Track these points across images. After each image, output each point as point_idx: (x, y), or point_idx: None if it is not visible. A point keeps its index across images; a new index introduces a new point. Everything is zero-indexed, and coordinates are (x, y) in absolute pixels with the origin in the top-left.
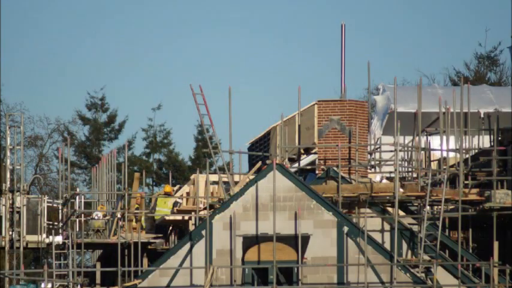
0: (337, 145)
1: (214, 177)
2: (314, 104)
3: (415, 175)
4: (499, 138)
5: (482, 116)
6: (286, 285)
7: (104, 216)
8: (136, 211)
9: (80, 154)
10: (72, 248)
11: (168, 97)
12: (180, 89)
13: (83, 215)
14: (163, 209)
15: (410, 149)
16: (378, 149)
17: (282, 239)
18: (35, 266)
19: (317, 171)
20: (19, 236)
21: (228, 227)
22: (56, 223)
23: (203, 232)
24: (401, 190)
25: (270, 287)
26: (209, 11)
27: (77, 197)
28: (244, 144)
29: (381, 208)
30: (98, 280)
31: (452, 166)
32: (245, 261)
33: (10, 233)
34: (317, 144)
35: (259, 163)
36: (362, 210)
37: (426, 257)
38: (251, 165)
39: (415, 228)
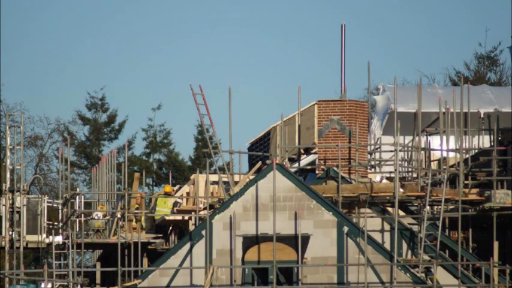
0: (337, 145)
1: (214, 177)
2: (314, 104)
3: (415, 175)
4: (499, 138)
5: (482, 116)
6: (286, 285)
7: (104, 216)
8: (136, 211)
9: (80, 154)
10: (72, 248)
11: (168, 97)
12: (180, 89)
13: (83, 215)
14: (163, 209)
15: (410, 149)
16: (378, 149)
17: (282, 239)
18: (35, 266)
19: (317, 171)
20: (19, 236)
21: (228, 227)
22: (56, 223)
23: (203, 232)
24: (401, 190)
25: (270, 287)
26: (209, 11)
27: (77, 197)
28: (244, 144)
29: (381, 208)
30: (98, 280)
31: (452, 166)
32: (245, 261)
33: (10, 233)
34: (317, 144)
35: (259, 163)
36: (362, 210)
37: (426, 257)
38: (251, 165)
39: (415, 228)
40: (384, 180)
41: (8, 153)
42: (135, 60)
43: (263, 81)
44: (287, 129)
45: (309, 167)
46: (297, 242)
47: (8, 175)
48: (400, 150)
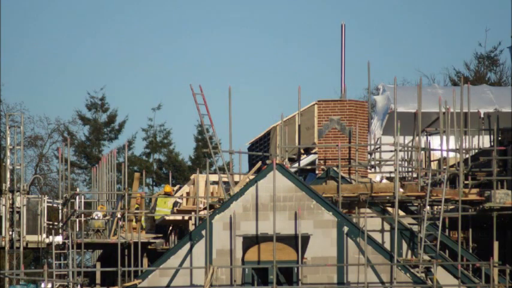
0: (337, 145)
1: (214, 177)
2: (314, 104)
3: (415, 175)
4: (499, 138)
5: (482, 116)
6: (286, 285)
7: (104, 216)
8: (136, 211)
9: (80, 154)
10: (72, 248)
11: (168, 97)
12: (180, 89)
13: (83, 215)
14: (163, 209)
15: (410, 149)
16: (378, 149)
17: (282, 239)
18: (35, 266)
19: (317, 171)
20: (19, 236)
21: (228, 227)
22: (56, 223)
23: (203, 232)
24: (401, 190)
25: (270, 287)
26: (209, 11)
27: (77, 197)
28: (244, 144)
29: (381, 208)
30: (98, 280)
31: (452, 166)
32: (245, 261)
33: (10, 233)
34: (317, 144)
35: (259, 163)
36: (362, 210)
37: (426, 257)
38: (251, 165)
39: (415, 228)
40: (384, 180)
41: (8, 153)
42: (135, 60)
43: (263, 81)
44: (287, 129)
45: (309, 167)
46: (297, 242)
47: (8, 175)
48: (400, 150)
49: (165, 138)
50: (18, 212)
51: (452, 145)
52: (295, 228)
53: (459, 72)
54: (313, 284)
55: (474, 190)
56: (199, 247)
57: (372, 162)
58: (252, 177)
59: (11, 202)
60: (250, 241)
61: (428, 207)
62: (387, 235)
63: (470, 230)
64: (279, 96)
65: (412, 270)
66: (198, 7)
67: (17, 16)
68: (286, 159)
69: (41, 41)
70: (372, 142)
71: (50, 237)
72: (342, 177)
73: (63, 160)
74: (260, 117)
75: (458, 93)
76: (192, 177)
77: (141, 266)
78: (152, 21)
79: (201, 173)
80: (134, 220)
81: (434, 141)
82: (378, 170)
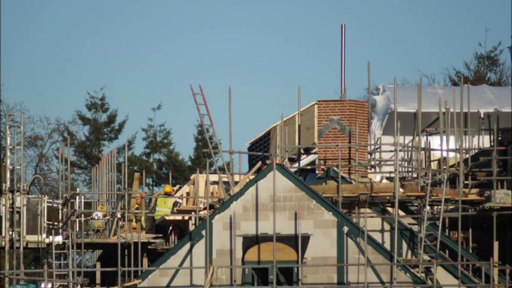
0: (337, 145)
1: (214, 177)
2: (314, 104)
3: (415, 175)
4: (499, 138)
5: (482, 116)
6: (286, 285)
7: (104, 216)
8: (136, 211)
9: (80, 154)
10: (72, 248)
11: (168, 97)
12: (180, 89)
13: (83, 215)
14: (163, 209)
15: (410, 149)
16: (378, 149)
17: (282, 239)
18: (35, 266)
19: (317, 171)
20: (19, 236)
21: (228, 227)
22: (56, 223)
23: (203, 232)
24: (401, 190)
25: (270, 287)
26: (209, 11)
27: (77, 197)
28: (244, 144)
29: (381, 208)
30: (98, 280)
31: (452, 166)
32: (245, 261)
33: (10, 233)
34: (317, 144)
35: (259, 163)
36: (362, 210)
37: (426, 257)
38: (251, 165)
39: (415, 228)
40: (384, 180)
41: (8, 153)
42: (135, 60)
43: (263, 81)
44: (287, 129)
45: (309, 167)
46: (297, 242)
47: (8, 175)
48: (400, 150)
49: (165, 138)
50: (18, 212)
51: (452, 145)
52: (295, 228)
53: (459, 72)
54: (313, 284)
55: (474, 190)
56: (199, 247)
57: (372, 162)
58: (252, 177)
59: (11, 202)
60: (250, 241)
61: (428, 207)
62: (387, 235)
63: (470, 230)
64: (279, 96)
65: (412, 270)
66: (198, 7)
67: (17, 16)
68: (286, 159)
69: (41, 41)
70: (372, 142)
71: (50, 237)
72: (342, 177)
73: (63, 160)
74: (260, 117)
75: (458, 93)
76: (192, 177)
77: (141, 266)
78: (152, 21)
79: (201, 173)
80: (134, 220)
81: (434, 141)
82: (378, 170)
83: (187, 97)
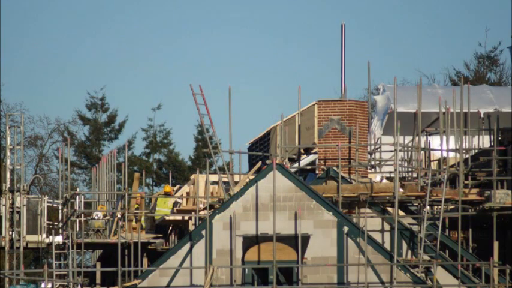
0: (337, 145)
1: (214, 177)
2: (314, 104)
3: (415, 175)
4: (499, 138)
5: (482, 116)
6: (286, 285)
7: (104, 216)
8: (136, 211)
9: (80, 154)
10: (72, 248)
11: (168, 97)
12: (180, 89)
13: (83, 215)
14: (163, 209)
15: (410, 149)
16: (378, 149)
17: (282, 239)
18: (35, 266)
19: (317, 171)
20: (19, 236)
21: (228, 227)
22: (56, 223)
23: (203, 232)
24: (401, 190)
25: (270, 287)
26: (209, 11)
27: (77, 197)
28: (244, 144)
29: (381, 208)
30: (98, 280)
31: (452, 166)
32: (245, 261)
33: (10, 233)
34: (317, 144)
35: (259, 163)
36: (362, 210)
37: (426, 257)
38: (251, 165)
39: (415, 228)
40: (384, 180)
41: (8, 153)
42: (135, 60)
43: (263, 81)
44: (287, 129)
45: (309, 167)
46: (297, 242)
47: (8, 175)
48: (400, 150)
49: (165, 138)
50: (18, 212)
51: (452, 145)
52: (295, 228)
53: (459, 72)
54: (313, 284)
55: (474, 190)
56: (199, 247)
57: (372, 162)
58: (252, 177)
59: (11, 202)
60: (250, 241)
61: (428, 207)
62: (387, 235)
63: (470, 230)
64: (279, 96)
65: (412, 270)
66: (198, 7)
67: (17, 16)
68: (286, 159)
69: (41, 41)
70: (372, 142)
71: (50, 237)
72: (342, 177)
73: (63, 160)
74: (260, 117)
75: (458, 93)
76: (192, 177)
77: (141, 266)
78: (152, 21)
79: (201, 173)
80: (134, 220)
81: (434, 141)
82: (378, 170)
83: (187, 97)
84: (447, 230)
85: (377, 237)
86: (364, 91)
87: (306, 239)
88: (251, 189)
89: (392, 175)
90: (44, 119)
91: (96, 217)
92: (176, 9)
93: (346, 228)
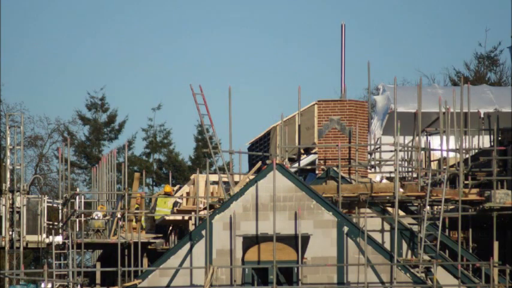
0: (337, 145)
1: (214, 177)
2: (314, 104)
3: (415, 175)
4: (499, 138)
5: (482, 116)
6: (286, 285)
7: (104, 216)
8: (136, 211)
9: (80, 154)
10: (72, 248)
11: (168, 97)
12: (180, 89)
13: (83, 215)
14: (163, 209)
15: (410, 149)
16: (378, 149)
17: (282, 239)
18: (35, 266)
19: (317, 171)
20: (19, 236)
21: (228, 227)
22: (56, 223)
23: (203, 232)
24: (401, 190)
25: (270, 287)
26: (209, 11)
27: (77, 197)
28: (244, 144)
29: (381, 208)
30: (98, 280)
31: (452, 166)
32: (245, 261)
33: (10, 233)
34: (317, 144)
35: (259, 163)
36: (362, 210)
37: (426, 257)
38: (251, 165)
39: (415, 228)
40: (384, 180)
41: (8, 153)
42: (135, 60)
43: (263, 81)
44: (287, 129)
45: (309, 167)
46: (297, 242)
47: (8, 175)
48: (400, 150)
49: (165, 138)
50: (18, 212)
51: (452, 145)
52: (295, 228)
53: (459, 72)
54: (313, 284)
55: (474, 190)
56: (199, 247)
57: (372, 162)
58: (252, 177)
59: (11, 202)
60: (250, 241)
61: (428, 207)
62: (387, 235)
63: (470, 230)
64: (279, 96)
65: (412, 270)
66: (198, 7)
67: (17, 16)
68: (286, 159)
69: (41, 41)
70: (372, 142)
71: (50, 237)
72: (342, 177)
73: (63, 160)
74: (260, 117)
75: (458, 93)
76: (192, 177)
77: (141, 266)
78: (152, 21)
79: (201, 173)
80: (134, 220)
81: (434, 141)
82: (378, 170)
83: (187, 97)
84: (447, 230)
85: (377, 237)
86: (364, 91)
87: (306, 239)
88: (251, 189)
89: (392, 175)
90: (44, 119)
91: (96, 217)
92: (176, 9)
93: (346, 228)
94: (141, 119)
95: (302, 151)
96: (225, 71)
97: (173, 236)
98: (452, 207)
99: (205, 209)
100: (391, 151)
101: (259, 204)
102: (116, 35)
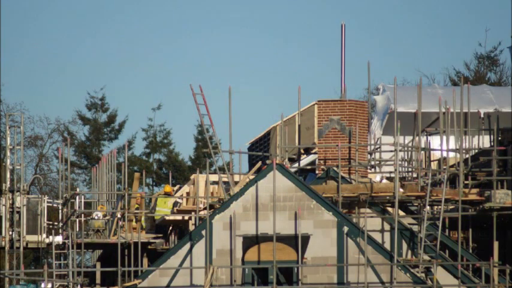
0: (337, 145)
1: (214, 177)
2: (314, 104)
3: (415, 175)
4: (499, 138)
5: (482, 116)
6: (286, 285)
7: (104, 216)
8: (136, 211)
9: (80, 154)
10: (72, 248)
11: (168, 97)
12: (180, 89)
13: (83, 215)
14: (163, 209)
15: (410, 149)
16: (378, 149)
17: (282, 239)
18: (35, 266)
19: (317, 171)
20: (19, 236)
21: (228, 227)
22: (56, 223)
23: (203, 232)
24: (401, 190)
25: (270, 287)
26: (209, 11)
27: (77, 197)
28: (244, 144)
29: (381, 208)
30: (98, 280)
31: (452, 166)
32: (245, 261)
33: (10, 233)
34: (317, 144)
35: (259, 163)
36: (362, 210)
37: (426, 257)
38: (251, 165)
39: (415, 228)
40: (384, 180)
41: (8, 153)
42: (135, 60)
43: (263, 81)
44: (287, 129)
45: (309, 167)
46: (297, 242)
47: (8, 175)
48: (400, 150)
49: (165, 138)
50: (18, 212)
51: (452, 145)
52: (295, 228)
53: (459, 72)
54: (313, 284)
55: (474, 190)
56: (199, 247)
57: (372, 162)
58: (252, 177)
59: (11, 202)
60: (250, 241)
61: (428, 207)
62: (387, 235)
63: (470, 230)
64: (279, 96)
65: (412, 270)
66: (198, 7)
67: (17, 16)
68: (286, 159)
69: (41, 41)
70: (372, 142)
71: (50, 237)
72: (342, 177)
73: (63, 160)
74: (260, 117)
75: (458, 93)
76: (192, 177)
77: (141, 266)
78: (152, 21)
79: (201, 173)
80: (134, 220)
81: (434, 141)
82: (378, 170)
83: (187, 97)
84: (447, 230)
85: (377, 237)
86: (364, 91)
87: (306, 239)
88: (251, 189)
89: (393, 175)
90: (44, 119)
91: (96, 217)
92: (176, 9)
93: (346, 228)
94: (141, 119)
95: (302, 151)
96: (225, 71)
97: (173, 236)
98: (452, 207)
99: (205, 209)
100: (391, 151)
101: (259, 204)
102: (116, 35)
